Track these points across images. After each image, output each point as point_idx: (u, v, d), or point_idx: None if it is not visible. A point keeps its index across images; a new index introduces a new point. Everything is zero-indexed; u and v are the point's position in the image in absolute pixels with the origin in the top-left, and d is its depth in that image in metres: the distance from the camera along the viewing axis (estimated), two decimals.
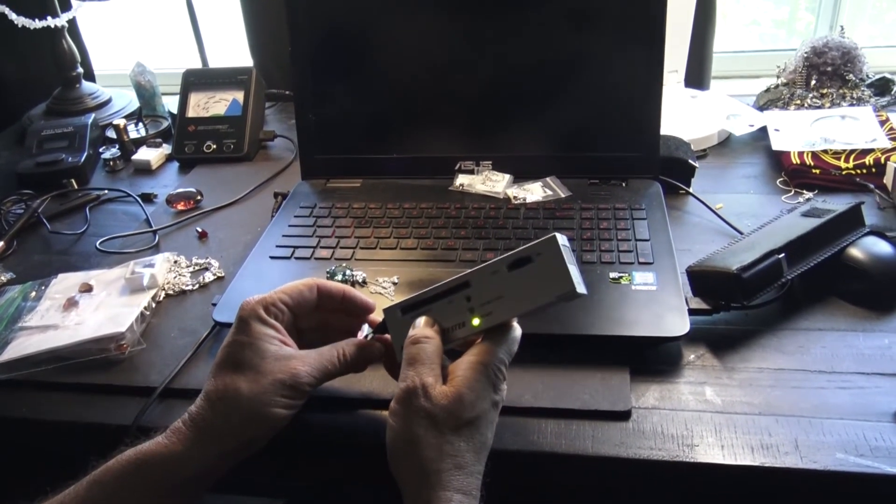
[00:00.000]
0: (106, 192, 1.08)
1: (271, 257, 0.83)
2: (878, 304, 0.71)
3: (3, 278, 0.88)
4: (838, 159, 0.93)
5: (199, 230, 0.94)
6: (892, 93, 1.09)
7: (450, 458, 0.50)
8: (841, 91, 1.09)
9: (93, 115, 1.24)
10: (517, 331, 0.56)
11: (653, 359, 0.67)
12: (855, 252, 0.72)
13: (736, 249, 0.71)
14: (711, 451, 0.58)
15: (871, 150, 0.92)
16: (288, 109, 1.31)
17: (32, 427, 0.69)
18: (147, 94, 1.29)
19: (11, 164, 1.15)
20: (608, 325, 0.67)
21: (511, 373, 0.55)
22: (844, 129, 0.99)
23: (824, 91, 1.09)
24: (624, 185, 0.91)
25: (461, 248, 0.81)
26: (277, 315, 0.57)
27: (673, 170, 0.92)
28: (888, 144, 0.93)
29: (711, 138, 1.06)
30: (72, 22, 1.30)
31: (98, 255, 0.92)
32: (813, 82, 1.11)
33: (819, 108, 1.06)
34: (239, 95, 1.18)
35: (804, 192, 0.91)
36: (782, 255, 0.69)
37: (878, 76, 1.11)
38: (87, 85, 1.36)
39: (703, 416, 0.61)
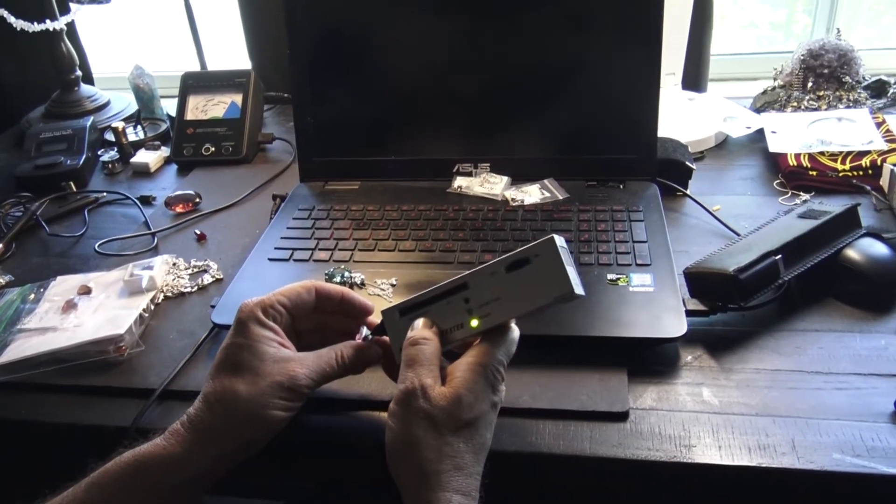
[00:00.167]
0: (104, 194, 1.08)
1: (270, 259, 0.83)
2: (875, 306, 0.72)
3: (1, 281, 0.88)
4: (835, 161, 0.93)
5: (198, 232, 0.94)
6: (889, 95, 1.10)
7: (449, 459, 0.50)
8: (837, 93, 1.09)
9: (91, 118, 1.24)
10: (515, 332, 0.56)
11: (650, 360, 0.67)
12: (851, 253, 0.72)
13: (733, 251, 0.72)
14: (709, 451, 0.58)
15: (867, 152, 0.93)
16: (286, 112, 1.31)
17: (31, 429, 0.69)
18: (145, 97, 1.30)
19: (10, 167, 1.15)
20: (606, 326, 0.67)
21: (509, 374, 0.55)
22: (841, 131, 0.99)
23: (821, 93, 1.09)
24: (621, 186, 0.91)
25: (459, 249, 0.81)
26: (276, 317, 0.57)
27: (670, 172, 0.92)
28: (884, 146, 0.93)
29: (708, 140, 1.06)
30: (70, 25, 1.31)
31: (97, 258, 0.92)
32: (809, 84, 1.11)
33: (816, 110, 1.07)
34: (237, 98, 1.18)
35: (801, 193, 0.92)
36: (779, 256, 0.69)
37: (874, 78, 1.12)
38: (85, 88, 1.36)
39: (701, 417, 0.61)
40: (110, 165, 1.16)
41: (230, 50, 1.49)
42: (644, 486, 0.61)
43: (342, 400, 0.65)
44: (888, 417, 0.59)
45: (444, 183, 0.94)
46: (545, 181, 0.92)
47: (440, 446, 0.50)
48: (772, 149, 0.98)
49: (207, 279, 0.84)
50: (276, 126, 1.27)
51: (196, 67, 1.33)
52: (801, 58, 1.12)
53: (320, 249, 0.84)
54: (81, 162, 1.12)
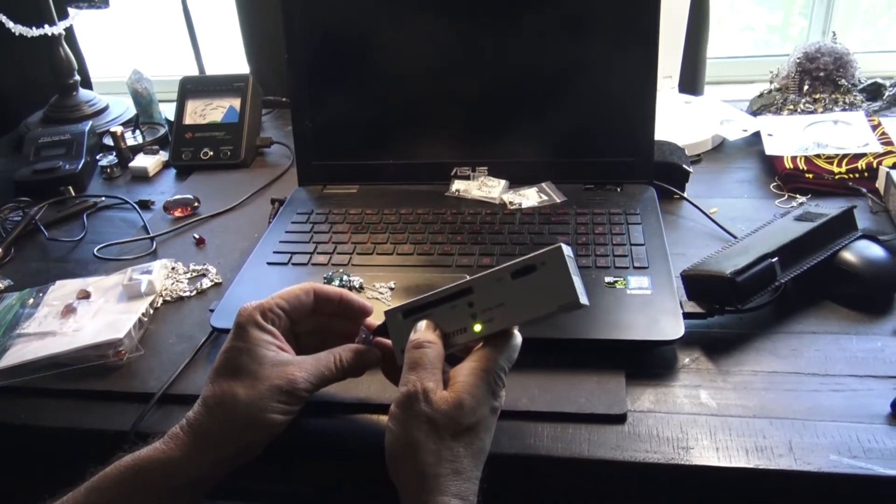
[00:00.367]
0: (103, 199, 1.08)
1: (268, 263, 0.83)
2: (871, 307, 0.72)
3: (0, 285, 0.88)
4: (831, 164, 0.93)
5: (197, 237, 0.94)
6: (884, 98, 1.10)
7: (448, 464, 0.50)
8: (833, 96, 1.10)
9: (90, 123, 1.24)
10: (518, 338, 0.56)
11: (648, 362, 0.67)
12: (848, 256, 0.73)
13: (730, 253, 0.72)
14: (706, 453, 0.58)
15: (863, 155, 0.93)
16: (284, 116, 1.31)
17: (31, 433, 0.69)
18: (144, 102, 1.30)
19: (9, 172, 1.15)
20: (604, 329, 0.68)
21: (508, 377, 0.55)
22: (837, 133, 0.99)
23: (817, 96, 1.10)
24: (619, 190, 0.91)
25: (457, 253, 0.81)
26: (275, 320, 0.57)
27: (667, 175, 0.93)
28: (880, 149, 0.94)
29: (705, 143, 1.06)
30: (69, 30, 1.31)
31: (96, 262, 0.92)
32: (806, 87, 1.12)
33: (812, 113, 1.07)
34: (236, 102, 1.18)
35: (797, 196, 0.92)
36: (776, 258, 0.69)
37: (870, 81, 1.12)
38: (84, 92, 1.36)
39: (698, 419, 0.61)
40: (109, 170, 1.17)
41: (228, 54, 1.50)
42: (642, 488, 0.61)
43: (341, 403, 0.65)
44: (884, 419, 0.60)
45: (442, 186, 0.95)
46: (543, 184, 0.92)
47: (440, 450, 0.50)
48: (768, 152, 0.98)
49: (206, 283, 0.84)
50: (275, 130, 1.27)
51: (194, 72, 1.33)
52: (797, 61, 1.13)
53: (319, 253, 0.84)
54: (80, 166, 1.13)
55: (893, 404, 0.60)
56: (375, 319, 0.62)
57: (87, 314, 0.78)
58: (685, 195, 0.93)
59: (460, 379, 0.53)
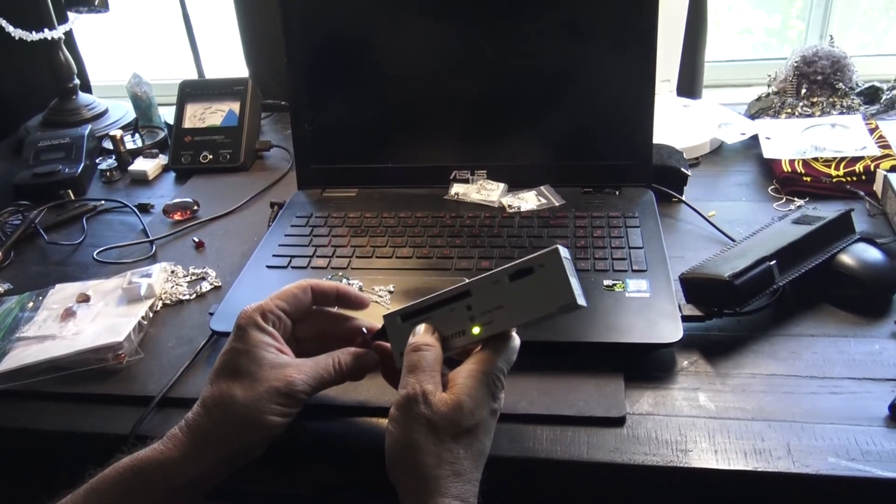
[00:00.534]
0: (103, 202, 1.08)
1: (268, 267, 0.83)
2: (869, 310, 0.72)
3: (0, 289, 0.88)
4: (829, 167, 0.94)
5: (196, 240, 0.94)
6: (882, 101, 1.11)
7: (448, 465, 0.50)
8: (831, 100, 1.10)
9: (89, 126, 1.24)
10: (516, 340, 0.56)
11: (647, 365, 0.68)
12: (845, 258, 0.73)
13: (728, 256, 0.72)
14: (705, 456, 0.58)
15: (860, 158, 0.93)
16: (284, 120, 1.32)
17: (30, 437, 0.69)
18: (143, 105, 1.30)
19: (8, 176, 1.15)
20: (602, 332, 0.68)
21: (507, 380, 0.55)
22: (835, 137, 1.00)
23: (814, 100, 1.10)
24: (617, 193, 0.92)
25: (456, 256, 0.82)
26: (275, 322, 0.58)
27: (666, 178, 0.93)
28: (878, 152, 0.94)
29: (703, 147, 1.07)
30: (68, 34, 1.31)
31: (95, 266, 0.92)
32: (803, 91, 1.12)
33: (809, 116, 1.08)
34: (235, 106, 1.18)
35: (795, 199, 0.92)
36: (774, 261, 0.69)
37: (867, 85, 1.13)
38: (83, 96, 1.36)
39: (697, 422, 0.61)
40: (108, 173, 1.17)
41: (228, 58, 1.50)
42: (641, 490, 0.61)
43: (341, 406, 0.65)
44: (883, 421, 0.60)
45: (441, 190, 0.95)
46: (541, 188, 0.93)
47: (440, 452, 0.50)
48: (766, 155, 0.99)
49: (206, 287, 0.84)
50: (274, 134, 1.27)
51: (194, 76, 1.34)
52: (795, 64, 1.13)
53: (318, 256, 0.84)
54: (80, 170, 1.13)
55: (891, 407, 0.60)
56: (375, 322, 0.62)
57: (86, 318, 0.78)
58: (683, 198, 0.93)
59: (459, 381, 0.53)
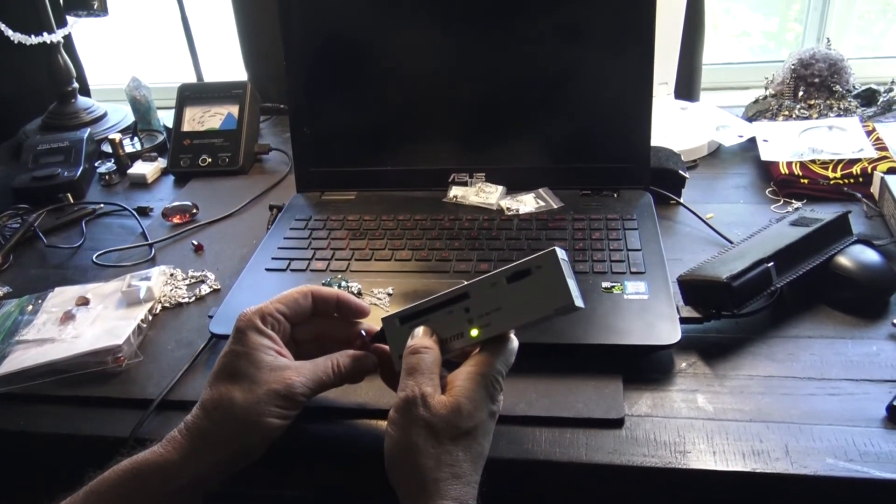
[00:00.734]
0: (102, 206, 1.08)
1: (267, 269, 0.83)
2: (866, 312, 0.72)
3: None
4: (826, 169, 0.94)
5: (195, 243, 0.94)
6: (879, 103, 1.11)
7: (447, 468, 0.50)
8: (828, 102, 1.10)
9: (88, 130, 1.24)
10: (514, 342, 0.56)
11: (645, 367, 0.68)
12: (843, 260, 0.73)
13: (726, 258, 0.72)
14: (703, 457, 0.59)
15: (858, 160, 0.94)
16: (283, 123, 1.32)
17: (30, 440, 0.69)
18: (142, 109, 1.30)
19: (8, 179, 1.15)
20: (601, 334, 0.68)
21: (506, 382, 0.56)
22: (832, 139, 1.00)
23: (812, 102, 1.11)
24: (615, 195, 0.92)
25: (455, 259, 0.82)
26: (274, 325, 0.58)
27: (664, 180, 0.93)
28: (875, 154, 0.94)
29: (701, 149, 1.07)
30: (67, 38, 1.31)
31: (94, 269, 0.92)
32: (800, 93, 1.12)
33: (807, 118, 1.08)
34: (234, 109, 1.19)
35: (793, 201, 0.92)
36: (771, 263, 0.70)
37: (864, 87, 1.13)
38: (82, 100, 1.37)
39: (695, 423, 0.62)
40: (107, 177, 1.17)
41: (226, 62, 1.50)
42: (640, 492, 0.61)
43: (340, 408, 0.65)
44: (880, 422, 0.60)
45: (439, 193, 0.95)
46: (540, 190, 0.93)
47: (439, 454, 0.50)
48: (764, 157, 0.99)
49: (205, 289, 0.85)
50: (273, 137, 1.27)
51: (192, 79, 1.34)
52: (792, 67, 1.13)
53: (317, 259, 0.84)
54: (79, 173, 1.13)
55: (889, 408, 0.60)
56: (374, 325, 0.62)
57: (86, 321, 0.78)
58: (681, 201, 0.93)
59: (458, 383, 0.53)
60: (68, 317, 0.79)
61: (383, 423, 0.53)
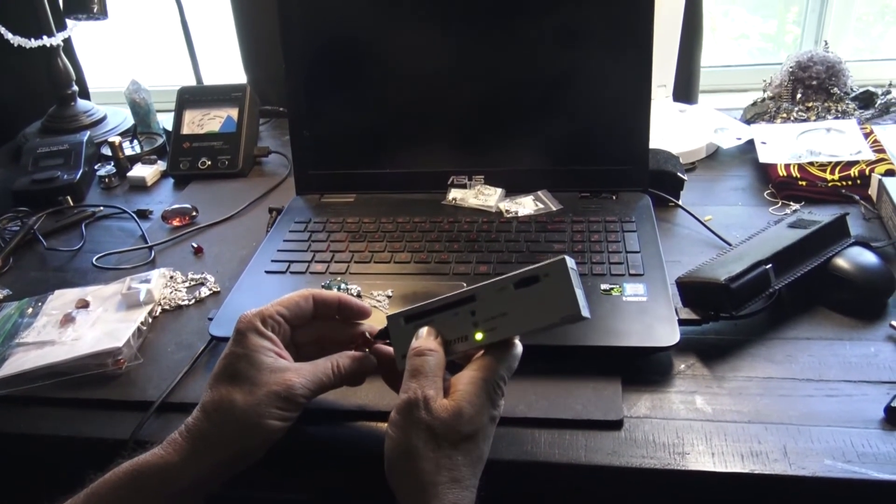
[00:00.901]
0: (101, 208, 1.08)
1: (267, 272, 0.84)
2: (864, 313, 0.72)
3: None
4: (824, 171, 0.94)
5: (195, 246, 0.95)
6: (876, 106, 1.11)
7: (446, 472, 0.50)
8: (826, 104, 1.11)
9: (88, 133, 1.24)
10: (518, 348, 0.56)
11: (644, 369, 0.68)
12: (841, 262, 0.73)
13: (724, 260, 0.73)
14: (702, 458, 0.59)
15: (855, 163, 0.94)
16: (282, 126, 1.32)
17: (30, 442, 0.69)
18: (142, 112, 1.30)
19: (7, 182, 1.15)
20: (600, 336, 0.68)
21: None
22: (830, 141, 1.00)
23: (810, 104, 1.11)
24: (614, 198, 0.92)
25: (454, 261, 0.82)
26: (274, 327, 0.58)
27: (662, 183, 0.93)
28: (872, 156, 0.95)
29: (700, 151, 1.07)
30: (67, 41, 1.31)
31: (94, 272, 0.93)
32: (798, 96, 1.13)
33: (805, 121, 1.08)
34: (233, 112, 1.19)
35: (791, 203, 0.93)
36: (770, 265, 0.70)
37: (862, 90, 1.13)
38: (82, 103, 1.37)
39: (694, 425, 0.62)
40: (107, 180, 1.17)
41: (226, 64, 1.50)
42: (638, 493, 0.61)
43: (340, 410, 0.66)
44: (878, 423, 0.60)
45: (438, 195, 0.95)
46: (539, 193, 0.93)
47: (438, 458, 0.51)
48: (762, 159, 0.99)
49: (205, 292, 0.85)
50: (272, 140, 1.27)
51: (192, 82, 1.34)
52: (790, 70, 1.14)
53: (317, 262, 0.84)
54: (78, 176, 1.13)
55: (887, 409, 0.61)
56: (377, 324, 0.62)
57: (85, 323, 0.78)
58: (680, 203, 0.93)
59: (460, 387, 0.53)
60: (68, 319, 0.79)
61: (384, 426, 0.53)
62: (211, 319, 0.76)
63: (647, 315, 0.70)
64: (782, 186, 0.95)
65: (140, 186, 1.16)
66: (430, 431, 0.51)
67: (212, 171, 1.15)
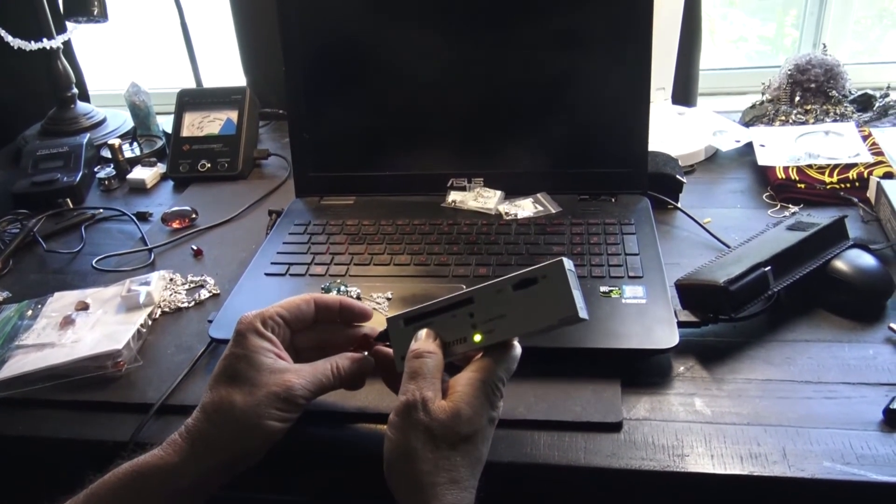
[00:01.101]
0: (101, 211, 1.08)
1: (266, 274, 0.84)
2: (863, 316, 0.73)
3: None
4: (822, 174, 0.94)
5: (195, 248, 0.95)
6: (875, 108, 1.12)
7: (445, 473, 0.51)
8: (824, 107, 1.11)
9: (88, 135, 1.25)
10: (517, 349, 0.56)
11: (643, 371, 0.68)
12: (839, 264, 0.73)
13: (723, 263, 0.73)
14: (701, 460, 0.59)
15: (854, 165, 0.94)
16: (282, 128, 1.32)
17: (30, 444, 0.69)
18: (142, 114, 1.31)
19: (7, 184, 1.16)
20: (599, 338, 0.68)
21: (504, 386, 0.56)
22: (828, 144, 1.01)
23: (808, 107, 1.11)
24: (613, 200, 0.92)
25: (454, 263, 0.82)
26: (274, 329, 0.58)
27: (661, 185, 0.93)
28: (871, 159, 0.95)
29: (698, 154, 1.07)
30: (67, 43, 1.32)
31: (94, 274, 0.93)
32: (797, 99, 1.13)
33: (803, 123, 1.09)
34: (233, 115, 1.19)
35: (790, 206, 0.93)
36: (769, 268, 0.70)
37: (860, 92, 1.14)
38: (81, 105, 1.37)
39: (693, 427, 0.62)
40: (107, 182, 1.17)
41: (225, 67, 1.51)
42: (638, 495, 0.61)
43: (340, 412, 0.66)
44: (877, 425, 0.60)
45: (438, 197, 0.95)
46: (538, 195, 0.93)
47: (437, 459, 0.51)
48: (760, 162, 0.99)
49: (204, 294, 0.85)
50: (272, 142, 1.28)
51: (192, 84, 1.34)
52: (789, 72, 1.14)
53: (316, 264, 0.84)
54: (78, 179, 1.13)
55: (886, 411, 0.61)
56: (377, 326, 0.62)
57: (85, 325, 0.78)
58: (679, 205, 0.94)
59: (459, 389, 0.53)
60: (68, 321, 0.79)
61: (383, 427, 0.53)
62: (210, 322, 0.76)
63: (647, 317, 0.70)
64: (781, 189, 0.95)
65: (140, 189, 1.16)
66: (428, 433, 0.51)
67: (211, 173, 1.15)
